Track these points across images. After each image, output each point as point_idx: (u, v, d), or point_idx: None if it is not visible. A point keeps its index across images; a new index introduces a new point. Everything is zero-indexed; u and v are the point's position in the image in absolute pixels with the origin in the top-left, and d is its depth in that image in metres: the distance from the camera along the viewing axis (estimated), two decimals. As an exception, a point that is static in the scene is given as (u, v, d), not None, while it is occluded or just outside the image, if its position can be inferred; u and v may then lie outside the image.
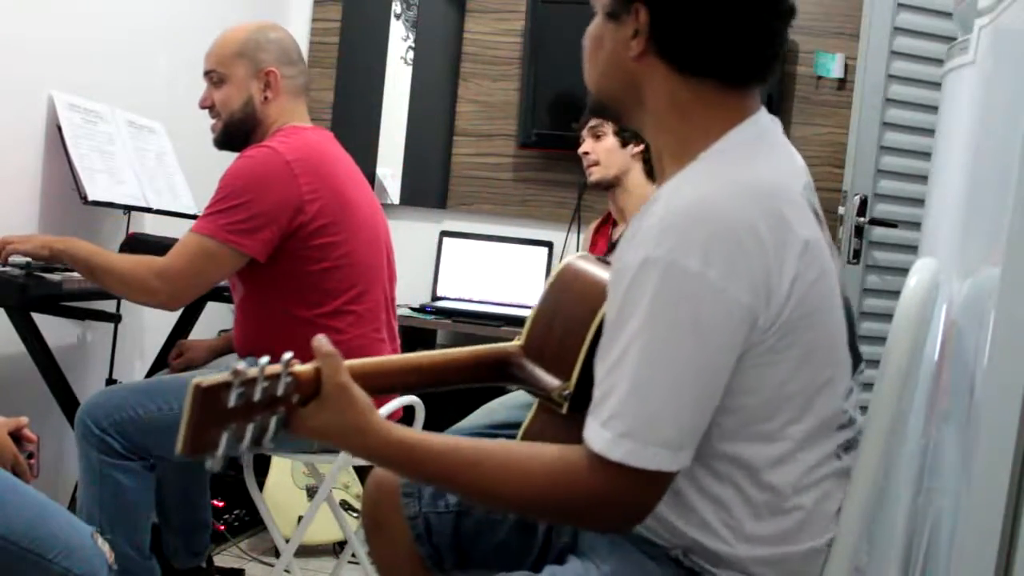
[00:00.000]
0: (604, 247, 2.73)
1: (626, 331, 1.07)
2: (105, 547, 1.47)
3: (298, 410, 1.09)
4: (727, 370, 1.09)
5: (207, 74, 2.22)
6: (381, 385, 1.22)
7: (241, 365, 1.01)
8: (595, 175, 2.64)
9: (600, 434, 1.07)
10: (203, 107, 2.24)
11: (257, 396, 1.03)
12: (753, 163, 1.15)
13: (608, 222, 2.82)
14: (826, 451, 1.18)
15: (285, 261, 2.08)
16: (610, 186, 2.65)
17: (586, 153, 2.64)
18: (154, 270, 2.05)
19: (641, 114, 1.22)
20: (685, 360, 1.06)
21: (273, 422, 1.05)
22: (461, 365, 1.34)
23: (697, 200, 1.08)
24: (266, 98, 2.17)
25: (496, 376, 1.36)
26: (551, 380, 1.29)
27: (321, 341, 1.10)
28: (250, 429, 1.03)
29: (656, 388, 1.06)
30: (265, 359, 1.05)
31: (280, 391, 1.05)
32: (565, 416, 1.29)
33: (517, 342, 1.36)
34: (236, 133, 2.19)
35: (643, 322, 1.06)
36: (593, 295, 1.27)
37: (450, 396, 3.90)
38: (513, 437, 1.32)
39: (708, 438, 1.12)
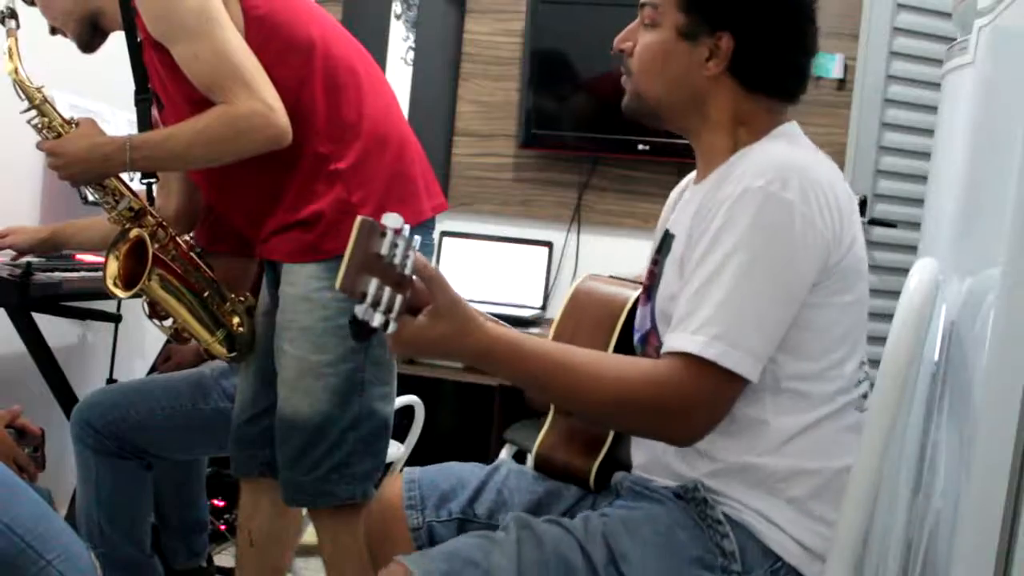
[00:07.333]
0: None
1: (720, 249, 1.19)
2: (96, 564, 1.46)
3: (414, 323, 1.13)
4: (803, 296, 1.21)
5: None
6: None
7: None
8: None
9: (692, 339, 1.17)
10: None
11: (397, 258, 1.07)
12: (815, 149, 1.31)
13: None
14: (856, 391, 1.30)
15: None
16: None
17: None
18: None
19: (697, 121, 1.32)
20: (775, 277, 1.18)
21: (398, 304, 1.08)
22: None
23: (791, 156, 1.24)
24: None
25: None
26: None
27: (423, 261, 1.13)
28: (386, 294, 1.06)
29: (749, 299, 1.17)
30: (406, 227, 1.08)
31: (407, 270, 1.09)
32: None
33: None
34: None
35: (739, 240, 1.18)
36: (611, 302, 1.46)
37: (448, 397, 3.88)
38: None
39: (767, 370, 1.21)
